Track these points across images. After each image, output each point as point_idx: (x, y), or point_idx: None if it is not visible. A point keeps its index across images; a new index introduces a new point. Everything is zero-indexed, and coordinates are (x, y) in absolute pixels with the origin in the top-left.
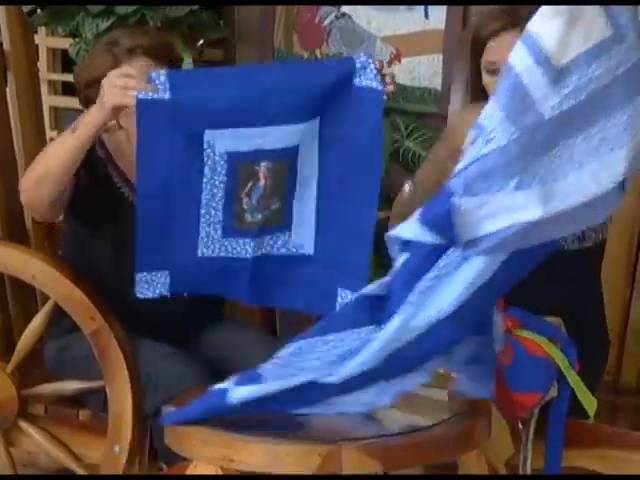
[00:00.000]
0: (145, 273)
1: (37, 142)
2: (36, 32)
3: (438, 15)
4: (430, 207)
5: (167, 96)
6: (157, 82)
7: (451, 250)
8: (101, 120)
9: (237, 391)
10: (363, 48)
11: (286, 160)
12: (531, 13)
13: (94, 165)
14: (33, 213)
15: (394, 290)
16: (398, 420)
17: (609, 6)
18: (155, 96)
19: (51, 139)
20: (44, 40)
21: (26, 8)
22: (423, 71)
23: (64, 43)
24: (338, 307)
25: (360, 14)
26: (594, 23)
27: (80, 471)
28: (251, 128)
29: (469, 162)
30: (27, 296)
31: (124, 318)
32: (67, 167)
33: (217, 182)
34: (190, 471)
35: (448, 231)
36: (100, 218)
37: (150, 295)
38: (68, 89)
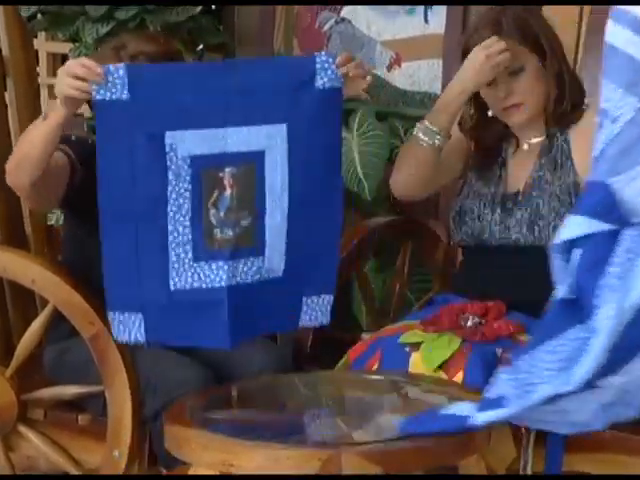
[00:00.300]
0: (118, 313)
1: None
2: (35, 37)
3: (438, 19)
4: (587, 197)
5: (125, 96)
6: (115, 76)
7: (625, 231)
8: (61, 112)
9: (480, 416)
10: (363, 53)
11: (251, 166)
12: (515, 20)
13: (93, 163)
14: (22, 197)
15: (582, 287)
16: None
17: None
18: (113, 97)
19: None
20: (43, 45)
21: (26, 13)
22: (423, 75)
23: (64, 48)
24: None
25: (360, 19)
26: None
27: None
28: (212, 129)
29: (603, 145)
30: (26, 300)
31: None
32: (41, 151)
33: (182, 190)
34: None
35: (615, 213)
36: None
37: (126, 340)
38: None
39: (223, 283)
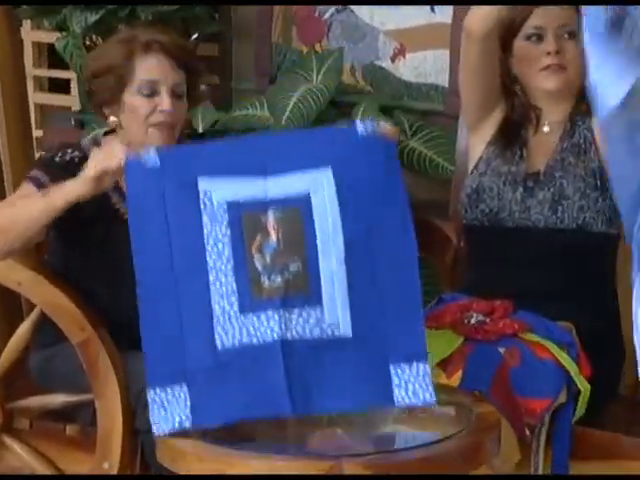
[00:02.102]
0: (158, 390)
1: (23, 141)
2: (21, 25)
3: (445, 8)
4: None
5: (157, 165)
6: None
7: None
8: (79, 191)
9: None
10: (365, 43)
11: (297, 208)
12: None
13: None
14: None
15: None
16: (404, 435)
17: None
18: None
19: (37, 138)
20: (29, 34)
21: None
22: (429, 67)
23: (50, 37)
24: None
25: (362, 7)
26: None
27: None
28: (250, 177)
29: None
30: (12, 304)
31: (115, 331)
32: (31, 227)
33: (220, 235)
34: None
35: None
36: (90, 233)
37: (169, 428)
38: (55, 86)
39: (276, 336)
